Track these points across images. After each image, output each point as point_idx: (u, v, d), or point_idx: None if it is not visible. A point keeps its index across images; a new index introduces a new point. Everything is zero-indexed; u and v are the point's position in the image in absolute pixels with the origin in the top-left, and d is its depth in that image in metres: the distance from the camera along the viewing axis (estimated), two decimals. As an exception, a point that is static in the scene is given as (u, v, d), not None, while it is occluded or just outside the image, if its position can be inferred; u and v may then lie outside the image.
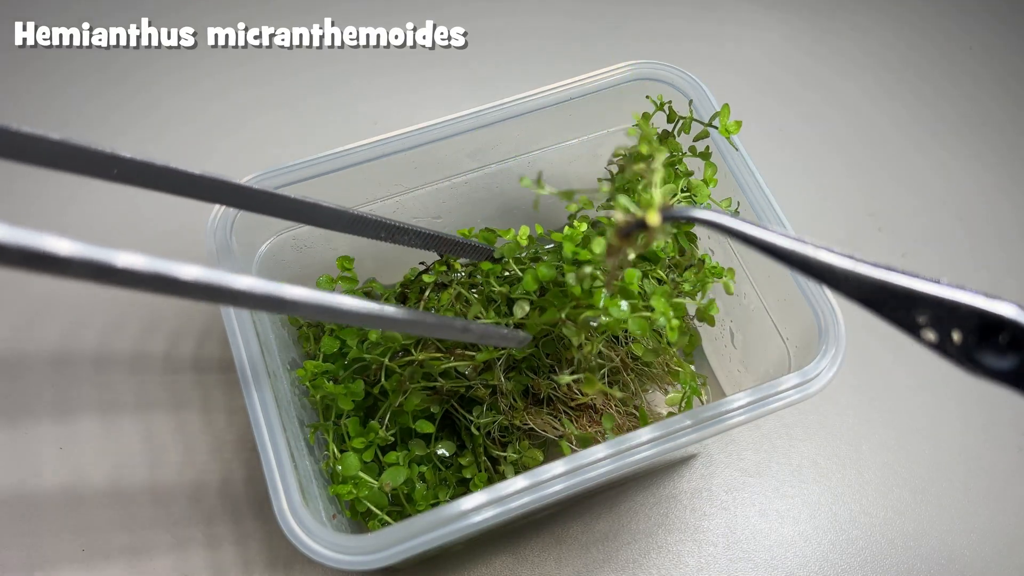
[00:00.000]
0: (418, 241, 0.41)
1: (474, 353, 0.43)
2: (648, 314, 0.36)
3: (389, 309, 0.29)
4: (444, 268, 0.47)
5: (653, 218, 0.26)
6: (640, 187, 0.30)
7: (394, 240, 0.40)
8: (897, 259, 0.63)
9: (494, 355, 0.42)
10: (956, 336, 0.20)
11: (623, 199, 0.28)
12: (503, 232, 0.45)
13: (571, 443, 0.44)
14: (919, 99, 0.71)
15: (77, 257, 0.20)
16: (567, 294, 0.38)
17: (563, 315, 0.37)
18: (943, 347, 0.21)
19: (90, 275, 0.21)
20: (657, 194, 0.27)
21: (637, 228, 0.27)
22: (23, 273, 0.20)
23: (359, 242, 0.50)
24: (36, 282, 0.58)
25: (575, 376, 0.40)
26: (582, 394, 0.44)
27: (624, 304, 0.35)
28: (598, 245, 0.34)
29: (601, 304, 0.35)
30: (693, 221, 0.26)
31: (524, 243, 0.44)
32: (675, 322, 0.36)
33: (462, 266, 0.47)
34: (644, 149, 0.31)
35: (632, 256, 0.30)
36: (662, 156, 0.30)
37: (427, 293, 0.46)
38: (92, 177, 0.29)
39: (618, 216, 0.27)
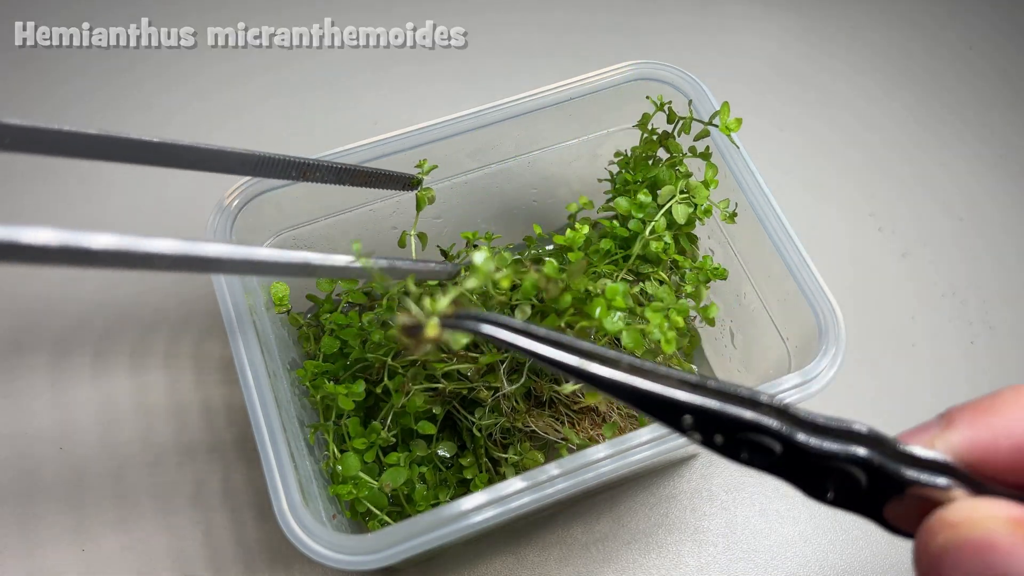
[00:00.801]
0: (330, 176, 0.40)
1: (477, 355, 0.43)
2: (643, 326, 0.36)
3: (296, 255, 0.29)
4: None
5: (432, 330, 0.26)
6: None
7: (305, 178, 0.40)
8: (897, 259, 0.63)
9: (497, 357, 0.42)
10: (719, 438, 0.23)
11: (409, 302, 0.28)
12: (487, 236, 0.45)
13: (572, 448, 0.44)
14: (919, 98, 0.71)
15: (112, 249, 0.23)
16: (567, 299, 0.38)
17: (562, 323, 0.37)
18: (710, 445, 0.23)
19: (122, 263, 0.23)
20: (443, 303, 0.27)
21: (419, 330, 0.27)
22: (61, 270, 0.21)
23: (360, 242, 0.50)
24: (35, 283, 0.58)
25: (577, 385, 0.40)
26: (584, 397, 0.44)
27: (617, 316, 0.35)
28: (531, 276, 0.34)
29: (596, 315, 0.35)
30: (473, 333, 0.26)
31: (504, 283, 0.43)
32: (671, 334, 0.36)
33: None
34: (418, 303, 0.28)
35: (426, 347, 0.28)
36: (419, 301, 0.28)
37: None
38: None
39: (400, 318, 0.27)
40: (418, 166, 0.44)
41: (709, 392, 0.23)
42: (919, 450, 0.21)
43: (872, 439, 0.22)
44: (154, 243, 0.25)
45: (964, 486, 0.20)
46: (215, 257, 0.27)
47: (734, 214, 0.44)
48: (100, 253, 0.23)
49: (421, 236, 0.46)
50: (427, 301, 0.27)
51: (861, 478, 0.22)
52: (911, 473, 0.21)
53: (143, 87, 0.69)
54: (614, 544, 0.50)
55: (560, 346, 0.25)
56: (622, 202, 0.45)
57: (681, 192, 0.44)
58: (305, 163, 0.39)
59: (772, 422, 0.22)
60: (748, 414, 0.22)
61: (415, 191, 0.45)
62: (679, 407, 0.23)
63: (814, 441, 0.22)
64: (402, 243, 0.46)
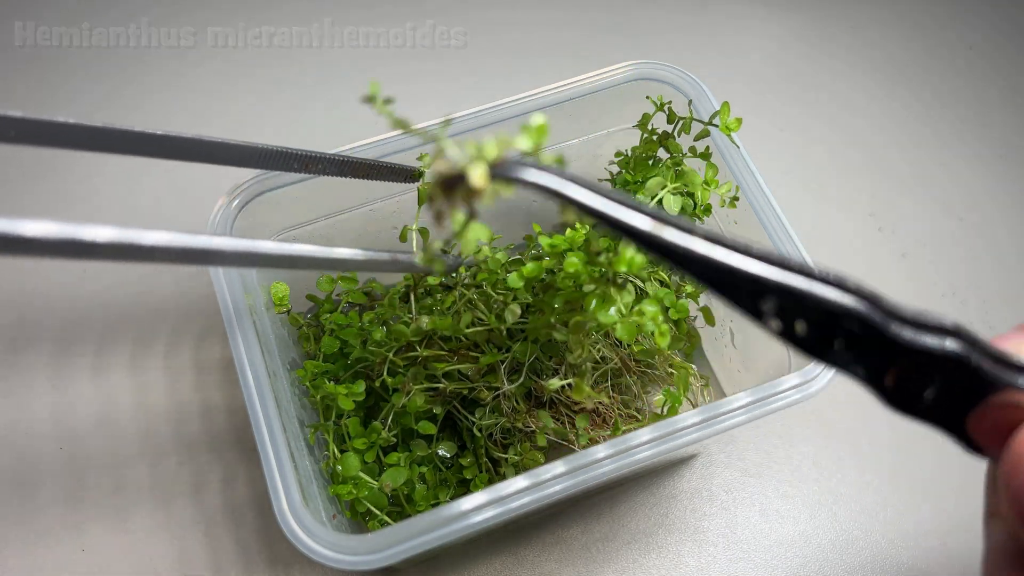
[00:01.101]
0: (333, 168, 0.41)
1: (478, 355, 0.43)
2: (636, 319, 0.35)
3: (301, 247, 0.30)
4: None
5: (481, 179, 0.22)
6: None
7: (308, 170, 0.40)
8: (897, 259, 0.63)
9: (498, 358, 0.42)
10: (800, 327, 0.19)
11: (449, 145, 0.23)
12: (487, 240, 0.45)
13: (576, 443, 0.44)
14: (919, 98, 0.71)
15: (112, 241, 0.23)
16: (557, 296, 0.38)
17: (552, 319, 0.37)
18: (789, 336, 0.20)
19: (122, 255, 0.24)
20: (491, 146, 0.22)
21: (459, 182, 0.22)
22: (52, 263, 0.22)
23: (360, 242, 0.50)
24: (35, 282, 0.58)
25: (565, 381, 0.40)
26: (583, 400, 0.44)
27: (612, 309, 0.35)
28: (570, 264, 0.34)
29: (591, 308, 0.35)
30: (521, 183, 0.22)
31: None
32: (664, 327, 0.35)
33: (467, 268, 0.47)
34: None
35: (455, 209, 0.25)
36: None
37: (438, 296, 0.46)
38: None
39: (438, 166, 0.23)
40: (420, 159, 0.44)
41: (793, 270, 0.19)
42: (1016, 354, 0.19)
43: (963, 336, 0.19)
44: (153, 236, 0.25)
45: None
46: (215, 249, 0.27)
47: (735, 198, 0.44)
48: (100, 245, 0.23)
49: (423, 231, 0.46)
50: (470, 146, 0.22)
51: (955, 380, 0.19)
52: (1009, 376, 0.18)
53: (143, 87, 0.69)
54: (614, 544, 0.50)
55: (620, 203, 0.21)
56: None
57: (674, 183, 0.44)
58: (308, 155, 0.39)
59: (865, 309, 0.19)
60: (840, 298, 0.19)
61: (416, 184, 0.45)
62: (761, 286, 0.19)
63: (909, 334, 0.18)
64: (403, 238, 0.46)
